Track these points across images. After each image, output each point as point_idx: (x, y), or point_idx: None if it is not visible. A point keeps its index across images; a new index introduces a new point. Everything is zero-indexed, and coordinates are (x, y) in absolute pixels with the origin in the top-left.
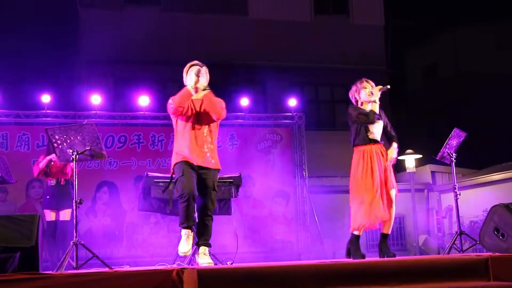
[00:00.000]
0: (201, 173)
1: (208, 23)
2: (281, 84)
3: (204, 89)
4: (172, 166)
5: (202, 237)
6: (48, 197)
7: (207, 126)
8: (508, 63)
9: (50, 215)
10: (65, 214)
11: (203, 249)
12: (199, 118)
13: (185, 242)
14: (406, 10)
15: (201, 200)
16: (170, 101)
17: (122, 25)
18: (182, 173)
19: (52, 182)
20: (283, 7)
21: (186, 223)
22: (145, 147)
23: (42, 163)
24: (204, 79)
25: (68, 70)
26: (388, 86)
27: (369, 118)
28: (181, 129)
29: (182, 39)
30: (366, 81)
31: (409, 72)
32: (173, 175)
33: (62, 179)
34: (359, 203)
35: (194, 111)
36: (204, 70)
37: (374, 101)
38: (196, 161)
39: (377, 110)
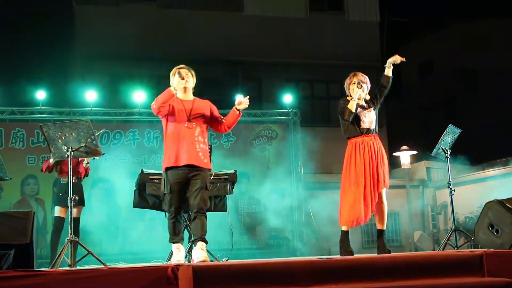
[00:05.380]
0: (192, 174)
1: (204, 19)
2: (276, 81)
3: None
4: (163, 167)
5: (197, 234)
6: (61, 194)
7: (198, 127)
8: (503, 60)
9: (60, 211)
10: (76, 212)
11: (200, 245)
12: (191, 119)
13: (177, 254)
14: (402, 6)
15: (193, 200)
16: (153, 102)
17: (117, 21)
18: (170, 189)
19: (65, 180)
20: (279, 3)
21: (176, 239)
22: (140, 144)
23: (52, 160)
24: (191, 82)
25: (63, 66)
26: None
27: (344, 115)
28: (173, 130)
29: (178, 36)
30: (354, 76)
31: (404, 68)
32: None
33: (75, 177)
34: (344, 198)
35: (185, 112)
36: (190, 73)
37: (354, 99)
38: (189, 161)
39: (362, 101)
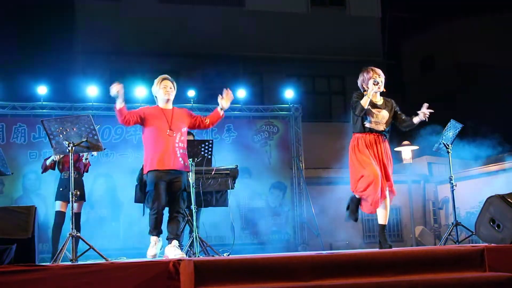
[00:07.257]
0: (173, 177)
1: (205, 14)
2: (278, 76)
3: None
4: (145, 170)
5: (173, 233)
6: (61, 189)
7: (178, 134)
8: (505, 55)
9: (61, 206)
10: (77, 206)
11: (174, 243)
12: (172, 126)
13: (153, 247)
14: (403, 1)
15: (173, 199)
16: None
17: (118, 17)
18: (154, 186)
19: (65, 175)
20: None
21: (155, 232)
22: (141, 139)
23: (49, 161)
24: (173, 94)
25: (64, 61)
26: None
27: (356, 110)
28: (155, 137)
29: (179, 31)
30: (372, 70)
31: (406, 63)
32: (144, 180)
33: (75, 173)
34: (361, 176)
35: (167, 121)
36: (173, 86)
37: (369, 96)
38: (170, 165)
39: (378, 100)
